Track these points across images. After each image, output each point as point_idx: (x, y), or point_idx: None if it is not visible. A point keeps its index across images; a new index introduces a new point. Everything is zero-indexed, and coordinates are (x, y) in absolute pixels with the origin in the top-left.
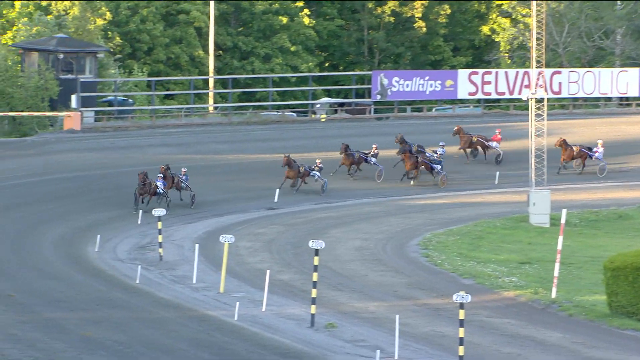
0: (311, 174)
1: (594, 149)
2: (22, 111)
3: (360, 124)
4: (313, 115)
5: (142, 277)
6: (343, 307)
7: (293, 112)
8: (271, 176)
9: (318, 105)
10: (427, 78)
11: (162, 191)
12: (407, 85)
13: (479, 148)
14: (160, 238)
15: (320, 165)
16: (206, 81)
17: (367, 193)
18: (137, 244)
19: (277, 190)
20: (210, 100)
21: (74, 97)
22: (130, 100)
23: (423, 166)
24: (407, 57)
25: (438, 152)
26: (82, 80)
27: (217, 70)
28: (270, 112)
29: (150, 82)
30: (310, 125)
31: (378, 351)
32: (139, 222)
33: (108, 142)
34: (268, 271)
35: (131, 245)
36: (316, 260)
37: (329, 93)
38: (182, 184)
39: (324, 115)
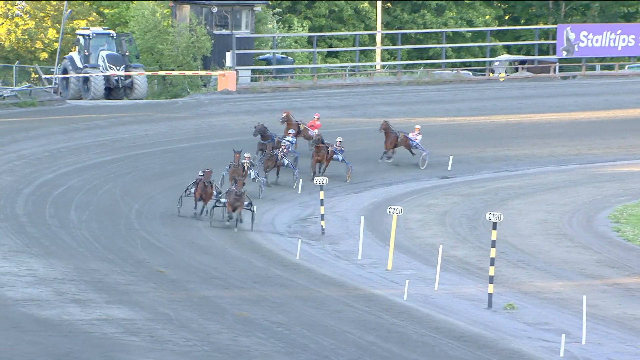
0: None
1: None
2: (172, 70)
3: (543, 84)
4: (491, 74)
5: (302, 252)
6: (524, 287)
7: (468, 70)
8: (443, 142)
9: (496, 63)
10: (619, 32)
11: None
12: (597, 40)
13: None
14: (322, 210)
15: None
16: (373, 37)
17: (549, 161)
18: (297, 216)
19: (450, 157)
20: (378, 58)
21: (228, 55)
22: (289, 58)
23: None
24: (595, 9)
25: (338, 141)
26: (237, 36)
27: (385, 25)
28: (443, 71)
29: (311, 38)
30: (487, 85)
31: (563, 335)
32: (299, 191)
33: (265, 104)
34: (441, 246)
35: (290, 217)
36: (494, 235)
37: (508, 49)
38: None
39: (502, 74)
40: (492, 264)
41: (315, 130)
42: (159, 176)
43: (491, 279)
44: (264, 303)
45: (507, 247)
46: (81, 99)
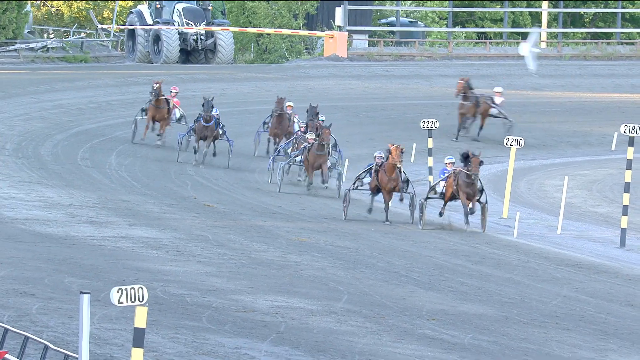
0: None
1: None
2: (266, 29)
3: None
4: None
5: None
6: None
7: None
8: (607, 120)
9: None
10: None
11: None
12: None
13: None
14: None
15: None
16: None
17: None
18: None
19: (616, 134)
20: (543, 22)
21: (339, 12)
22: (419, 22)
23: None
24: None
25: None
26: None
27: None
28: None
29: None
30: None
31: None
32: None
33: (382, 69)
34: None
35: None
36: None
37: None
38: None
39: None
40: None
41: None
42: (232, 135)
43: (625, 210)
44: (331, 232)
45: None
46: (150, 63)
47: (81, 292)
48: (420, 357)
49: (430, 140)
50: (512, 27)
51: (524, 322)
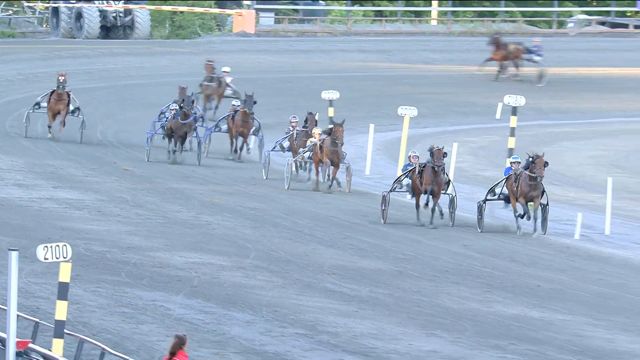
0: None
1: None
2: (179, 7)
3: (620, 39)
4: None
5: None
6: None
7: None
8: (495, 91)
9: (571, 25)
10: None
11: None
12: None
13: None
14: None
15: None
16: None
17: (618, 114)
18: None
19: (500, 105)
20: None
21: None
22: (321, 1)
23: None
24: None
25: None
26: None
27: None
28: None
29: None
30: (554, 39)
31: None
32: None
33: (287, 44)
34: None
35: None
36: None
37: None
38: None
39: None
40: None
41: None
42: (150, 106)
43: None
44: (241, 195)
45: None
46: (73, 38)
47: (9, 249)
48: (322, 309)
49: (330, 109)
50: (406, 5)
51: (416, 277)
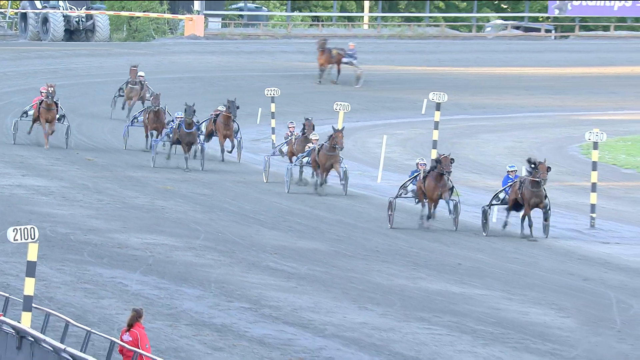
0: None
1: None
2: (136, 13)
3: (533, 42)
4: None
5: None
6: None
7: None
8: (417, 89)
9: (488, 29)
10: None
11: None
12: None
13: None
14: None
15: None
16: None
17: (531, 109)
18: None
19: (425, 100)
20: (366, 7)
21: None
22: (263, 8)
23: None
24: None
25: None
26: None
27: None
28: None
29: None
30: (473, 42)
31: None
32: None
33: (233, 46)
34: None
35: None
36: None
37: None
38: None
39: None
40: (433, 153)
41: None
42: (109, 102)
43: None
44: (192, 182)
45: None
46: (40, 40)
47: None
48: (265, 285)
49: (272, 105)
50: (341, 11)
51: (350, 256)
